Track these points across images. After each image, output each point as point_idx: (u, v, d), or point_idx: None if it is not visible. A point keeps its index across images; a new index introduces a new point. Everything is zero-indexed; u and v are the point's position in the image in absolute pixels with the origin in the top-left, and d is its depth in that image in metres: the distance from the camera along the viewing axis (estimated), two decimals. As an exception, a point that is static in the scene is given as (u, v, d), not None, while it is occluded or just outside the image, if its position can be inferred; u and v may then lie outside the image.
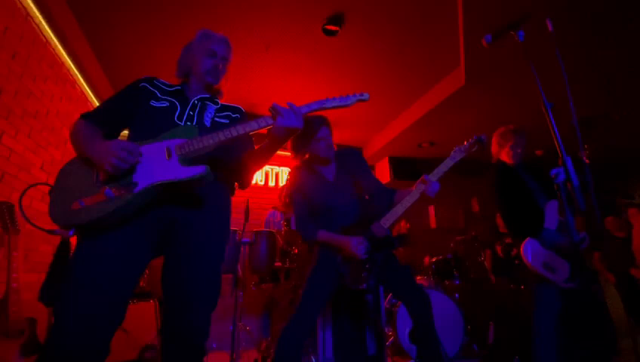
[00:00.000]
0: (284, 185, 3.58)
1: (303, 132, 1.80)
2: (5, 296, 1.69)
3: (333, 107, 1.13)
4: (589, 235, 1.64)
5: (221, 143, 1.05)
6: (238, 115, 1.32)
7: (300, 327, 1.62)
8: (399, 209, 1.65)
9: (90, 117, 1.16)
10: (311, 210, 1.84)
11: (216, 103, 1.30)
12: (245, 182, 1.29)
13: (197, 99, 1.24)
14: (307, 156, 1.89)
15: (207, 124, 1.20)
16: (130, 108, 1.17)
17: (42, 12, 2.30)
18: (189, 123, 1.16)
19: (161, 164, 1.01)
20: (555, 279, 1.68)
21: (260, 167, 1.28)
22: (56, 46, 2.58)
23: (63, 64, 2.70)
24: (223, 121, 1.26)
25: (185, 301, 1.01)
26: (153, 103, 1.17)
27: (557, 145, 1.24)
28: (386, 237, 1.68)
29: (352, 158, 1.95)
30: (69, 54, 2.73)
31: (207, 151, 1.04)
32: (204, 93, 1.29)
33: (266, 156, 1.21)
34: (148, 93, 1.19)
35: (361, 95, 1.15)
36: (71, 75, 2.85)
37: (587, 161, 1.66)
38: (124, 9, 2.59)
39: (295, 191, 1.86)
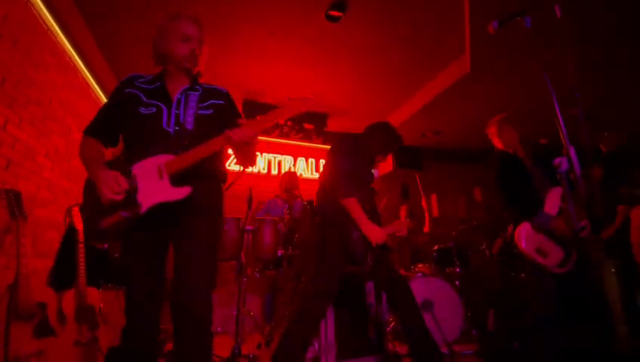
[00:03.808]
0: (284, 174, 3.62)
1: (390, 141, 2.06)
2: (15, 282, 1.74)
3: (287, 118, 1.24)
4: (591, 223, 1.64)
5: (202, 159, 1.17)
6: (222, 101, 1.36)
7: (314, 316, 1.76)
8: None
9: (90, 131, 1.29)
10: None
11: (197, 90, 1.32)
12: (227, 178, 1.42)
13: (179, 94, 1.28)
14: (369, 153, 2.04)
15: (190, 125, 1.25)
16: (120, 117, 1.28)
17: (42, -2, 2.28)
18: (177, 128, 1.23)
19: (156, 184, 1.16)
20: (547, 264, 1.69)
21: (247, 165, 1.41)
22: (57, 34, 2.56)
23: (64, 52, 2.69)
24: (206, 112, 1.30)
25: (184, 284, 1.16)
26: (142, 110, 1.24)
27: (561, 134, 1.24)
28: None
29: None
30: (70, 42, 2.71)
31: (192, 166, 1.17)
32: (184, 81, 1.32)
33: (244, 157, 1.35)
34: (134, 99, 1.26)
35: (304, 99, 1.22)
36: (72, 63, 2.83)
37: (604, 149, 1.64)
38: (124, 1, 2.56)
39: (354, 152, 1.95)
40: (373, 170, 2.12)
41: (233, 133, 1.14)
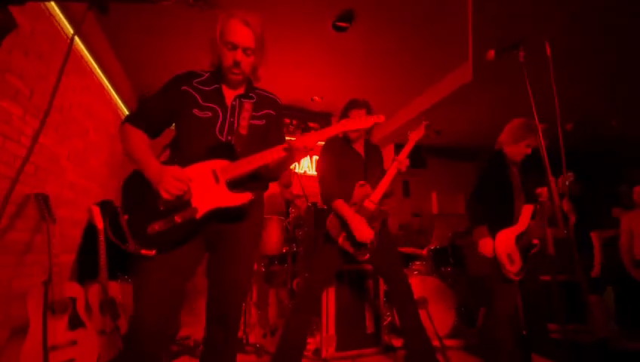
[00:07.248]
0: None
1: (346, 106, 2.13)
2: (49, 279, 1.92)
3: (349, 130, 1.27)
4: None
5: (258, 168, 1.16)
6: (273, 112, 1.34)
7: (307, 306, 1.89)
8: (383, 185, 1.94)
9: (136, 121, 1.20)
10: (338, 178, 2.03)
11: (252, 97, 1.29)
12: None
13: (234, 100, 1.25)
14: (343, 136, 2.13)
15: (244, 130, 1.23)
16: (174, 114, 1.23)
17: (62, 10, 2.37)
18: (229, 136, 1.22)
19: (212, 188, 1.12)
20: (510, 270, 1.82)
21: (274, 178, 1.39)
22: (77, 42, 2.66)
23: (81, 57, 2.80)
24: (259, 122, 1.28)
25: (226, 292, 1.22)
26: (197, 113, 1.19)
27: (545, 165, 1.36)
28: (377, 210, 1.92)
29: (377, 151, 2.30)
30: (87, 47, 2.82)
31: (247, 174, 1.16)
32: (240, 86, 1.28)
33: (277, 169, 1.31)
34: (191, 99, 1.21)
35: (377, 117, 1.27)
36: (89, 67, 2.95)
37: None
38: (138, 5, 2.64)
39: (329, 156, 2.07)
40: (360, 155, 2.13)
41: (296, 140, 1.12)
